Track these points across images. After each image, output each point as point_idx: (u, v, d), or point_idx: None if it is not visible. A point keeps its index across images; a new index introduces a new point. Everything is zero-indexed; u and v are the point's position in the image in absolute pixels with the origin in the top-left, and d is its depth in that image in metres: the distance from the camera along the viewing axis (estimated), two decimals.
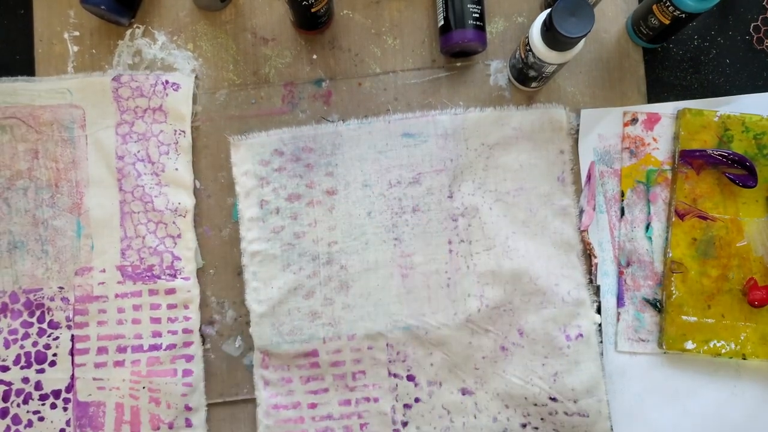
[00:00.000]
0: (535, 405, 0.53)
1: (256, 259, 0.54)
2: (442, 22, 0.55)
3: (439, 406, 0.53)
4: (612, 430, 0.53)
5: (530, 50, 0.50)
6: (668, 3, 0.50)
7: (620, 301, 0.55)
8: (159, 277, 0.53)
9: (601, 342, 0.54)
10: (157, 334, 0.53)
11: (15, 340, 0.53)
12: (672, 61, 0.58)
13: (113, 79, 0.55)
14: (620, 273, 0.55)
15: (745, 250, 0.54)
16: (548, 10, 0.46)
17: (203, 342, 0.54)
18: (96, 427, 0.52)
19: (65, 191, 0.55)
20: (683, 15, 0.50)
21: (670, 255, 0.54)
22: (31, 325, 0.53)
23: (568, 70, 0.57)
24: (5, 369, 0.53)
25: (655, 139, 0.56)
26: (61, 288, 0.54)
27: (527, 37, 0.50)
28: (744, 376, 0.54)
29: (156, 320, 0.53)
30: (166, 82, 0.55)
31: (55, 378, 0.53)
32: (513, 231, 0.54)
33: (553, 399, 0.52)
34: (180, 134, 0.55)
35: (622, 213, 0.56)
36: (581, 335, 0.53)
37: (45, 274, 0.54)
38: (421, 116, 0.55)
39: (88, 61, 0.57)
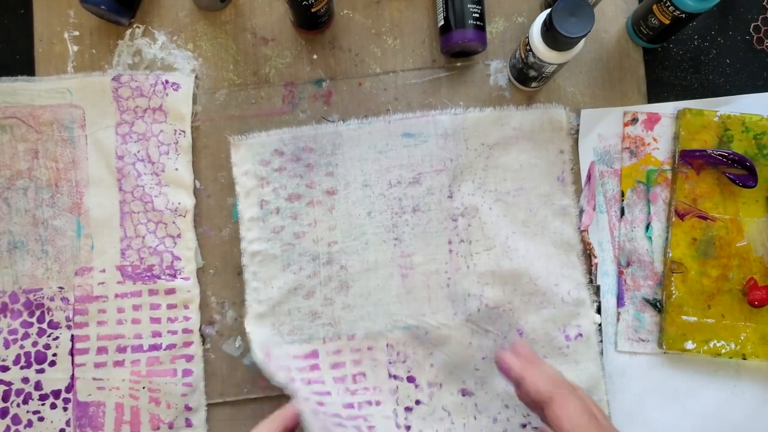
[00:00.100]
0: None
1: (256, 259, 0.54)
2: (442, 22, 0.55)
3: (440, 407, 0.53)
4: None
5: (530, 50, 0.50)
6: (668, 3, 0.50)
7: (620, 301, 0.55)
8: (159, 277, 0.53)
9: (601, 342, 0.54)
10: (157, 334, 0.53)
11: (15, 340, 0.53)
12: (672, 61, 0.58)
13: (113, 79, 0.55)
14: (620, 273, 0.55)
15: (745, 250, 0.54)
16: (548, 10, 0.46)
17: (203, 342, 0.54)
18: (96, 427, 0.52)
19: (65, 191, 0.55)
20: (683, 15, 0.50)
21: (670, 255, 0.54)
22: (31, 325, 0.53)
23: (568, 70, 0.57)
24: (5, 369, 0.53)
25: (655, 139, 0.56)
26: (61, 288, 0.54)
27: (527, 37, 0.50)
28: (744, 376, 0.54)
29: (156, 320, 0.53)
30: (166, 81, 0.55)
31: (55, 378, 0.53)
32: (513, 231, 0.54)
33: None
34: (180, 134, 0.55)
35: (622, 213, 0.56)
36: (581, 335, 0.53)
37: (45, 274, 0.54)
38: (421, 116, 0.55)
39: (88, 60, 0.57)
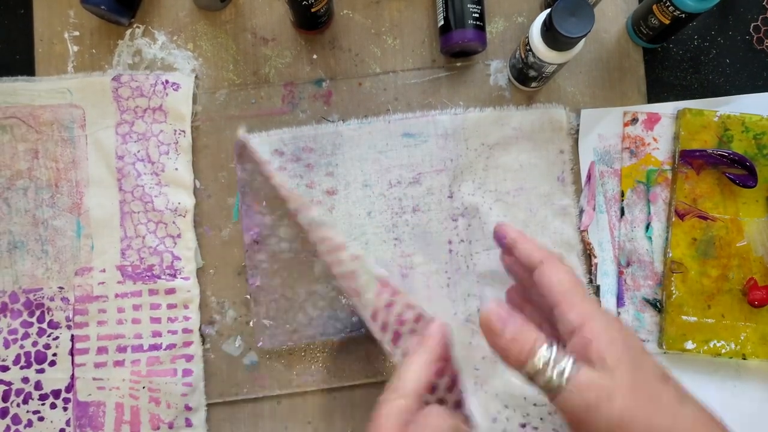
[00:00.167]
0: (535, 405, 0.53)
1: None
2: (442, 22, 0.55)
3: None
4: None
5: (530, 50, 0.50)
6: (668, 3, 0.50)
7: (620, 301, 0.55)
8: (159, 277, 0.53)
9: None
10: (157, 334, 0.53)
11: (15, 340, 0.53)
12: (672, 61, 0.58)
13: (113, 79, 0.55)
14: (620, 273, 0.55)
15: (745, 250, 0.54)
16: (548, 10, 0.46)
17: (203, 342, 0.54)
18: (96, 427, 0.52)
19: (65, 191, 0.55)
20: (683, 15, 0.50)
21: (670, 255, 0.54)
22: (31, 324, 0.53)
23: (568, 70, 0.57)
24: (5, 369, 0.53)
25: (655, 139, 0.56)
26: (61, 288, 0.54)
27: (527, 37, 0.50)
28: (744, 376, 0.54)
29: (156, 320, 0.53)
30: (166, 81, 0.55)
31: (54, 378, 0.53)
32: None
33: None
34: (180, 134, 0.55)
35: (622, 213, 0.56)
36: None
37: (45, 274, 0.54)
38: (421, 116, 0.55)
39: (88, 60, 0.57)
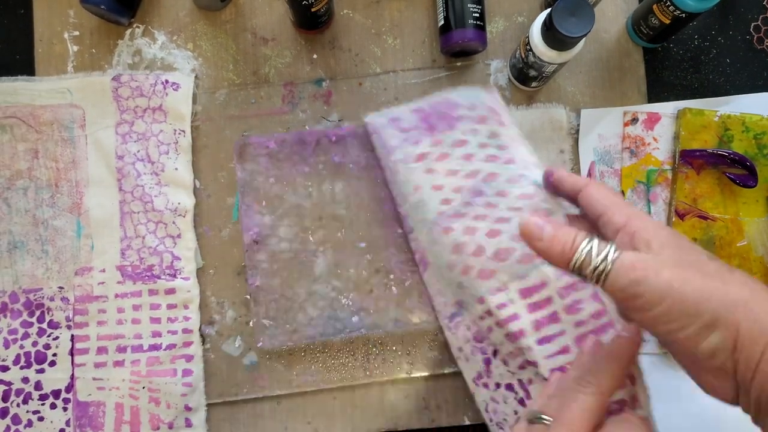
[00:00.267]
0: None
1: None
2: (442, 22, 0.55)
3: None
4: None
5: (530, 50, 0.50)
6: (668, 3, 0.50)
7: None
8: (159, 277, 0.53)
9: None
10: (156, 334, 0.53)
11: (15, 340, 0.53)
12: (672, 61, 0.58)
13: (113, 79, 0.55)
14: None
15: (745, 250, 0.54)
16: (548, 10, 0.46)
17: (203, 342, 0.54)
18: (96, 427, 0.52)
19: (65, 191, 0.55)
20: (683, 15, 0.50)
21: None
22: (31, 325, 0.53)
23: (568, 69, 0.57)
24: (5, 369, 0.53)
25: (655, 139, 0.56)
26: (61, 288, 0.53)
27: (527, 37, 0.50)
28: None
29: (156, 320, 0.53)
30: (166, 81, 0.55)
31: (54, 378, 0.53)
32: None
33: None
34: (180, 134, 0.55)
35: None
36: None
37: (45, 274, 0.54)
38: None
39: (88, 60, 0.57)
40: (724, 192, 0.55)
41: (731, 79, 0.58)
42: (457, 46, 0.54)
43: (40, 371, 0.53)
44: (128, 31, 0.57)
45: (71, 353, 0.53)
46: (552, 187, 0.44)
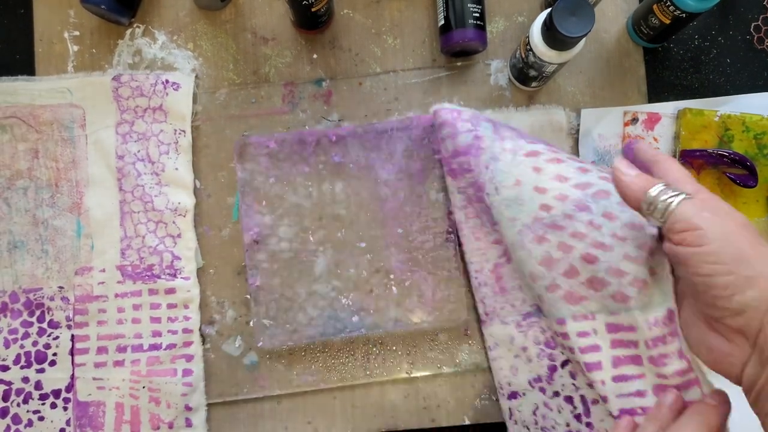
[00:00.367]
0: None
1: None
2: (442, 22, 0.55)
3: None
4: None
5: (530, 50, 0.50)
6: (669, 2, 0.50)
7: None
8: (159, 277, 0.53)
9: None
10: (157, 334, 0.53)
11: (15, 340, 0.53)
12: (672, 61, 0.58)
13: (113, 79, 0.55)
14: None
15: None
16: (548, 10, 0.46)
17: (203, 342, 0.54)
18: (96, 427, 0.52)
19: (65, 191, 0.55)
20: (684, 15, 0.50)
21: None
22: (31, 324, 0.53)
23: (568, 69, 0.57)
24: (5, 368, 0.53)
25: (655, 139, 0.56)
26: (61, 288, 0.54)
27: (527, 37, 0.50)
28: None
29: (156, 320, 0.53)
30: (166, 81, 0.55)
31: (55, 378, 0.53)
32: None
33: None
34: (180, 134, 0.55)
35: None
36: None
37: (45, 274, 0.54)
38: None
39: (88, 60, 0.57)
40: (724, 192, 0.55)
41: (731, 79, 0.58)
42: (457, 46, 0.54)
43: (41, 371, 0.53)
44: (128, 31, 0.57)
45: (71, 353, 0.53)
46: (631, 155, 0.44)
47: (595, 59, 0.58)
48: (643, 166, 0.41)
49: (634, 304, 0.41)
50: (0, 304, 0.53)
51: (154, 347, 0.53)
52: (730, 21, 0.58)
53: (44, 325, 0.53)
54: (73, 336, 0.53)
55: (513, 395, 0.51)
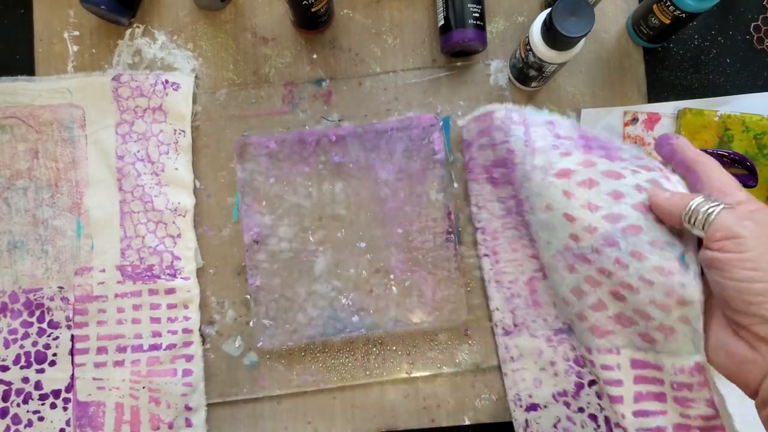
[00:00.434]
0: None
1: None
2: (442, 22, 0.55)
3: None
4: None
5: (530, 50, 0.50)
6: (669, 2, 0.50)
7: None
8: (159, 277, 0.53)
9: None
10: (156, 334, 0.53)
11: (15, 340, 0.53)
12: (672, 61, 0.58)
13: (113, 79, 0.55)
14: None
15: None
16: (548, 10, 0.46)
17: (203, 342, 0.54)
18: (96, 427, 0.52)
19: (65, 191, 0.55)
20: (683, 14, 0.50)
21: None
22: (31, 324, 0.53)
23: (568, 69, 0.57)
24: (5, 369, 0.53)
25: (655, 139, 0.56)
26: (61, 288, 0.53)
27: (527, 37, 0.50)
28: None
29: (156, 320, 0.53)
30: (166, 81, 0.55)
31: (54, 378, 0.53)
32: None
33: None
34: (180, 134, 0.55)
35: None
36: None
37: (45, 274, 0.54)
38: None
39: (88, 60, 0.57)
40: None
41: (731, 79, 0.58)
42: (457, 46, 0.54)
43: (40, 371, 0.53)
44: (128, 31, 0.57)
45: (71, 353, 0.53)
46: (668, 149, 0.43)
47: (595, 59, 0.58)
48: (682, 163, 0.42)
49: (660, 348, 0.41)
50: (0, 304, 0.53)
51: (154, 347, 0.53)
52: (730, 21, 0.58)
53: (44, 326, 0.53)
54: (72, 336, 0.53)
55: (533, 407, 0.51)
